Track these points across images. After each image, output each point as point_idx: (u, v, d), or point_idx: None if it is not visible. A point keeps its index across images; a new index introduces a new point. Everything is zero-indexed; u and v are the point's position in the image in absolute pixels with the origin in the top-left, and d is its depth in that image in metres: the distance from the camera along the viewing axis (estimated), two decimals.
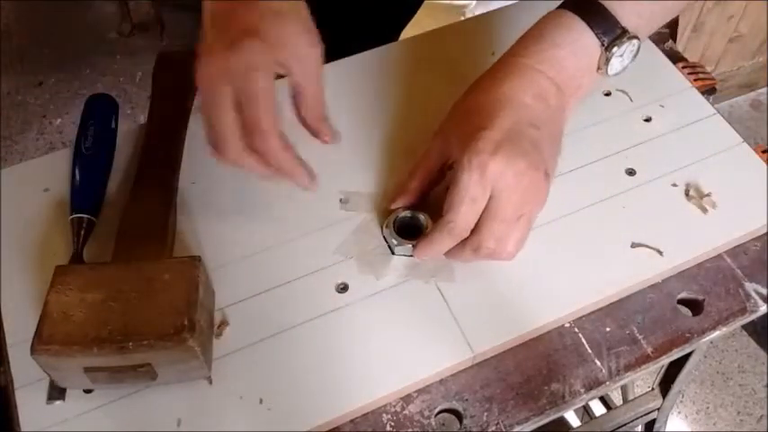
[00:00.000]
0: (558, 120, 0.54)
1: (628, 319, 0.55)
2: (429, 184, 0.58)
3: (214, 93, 0.49)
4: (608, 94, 0.67)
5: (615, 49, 0.52)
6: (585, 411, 1.07)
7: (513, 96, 0.52)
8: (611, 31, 0.52)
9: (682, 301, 0.56)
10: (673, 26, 0.84)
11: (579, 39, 0.53)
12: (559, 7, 0.54)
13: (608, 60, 0.53)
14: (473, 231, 0.52)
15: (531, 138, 0.51)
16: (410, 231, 0.57)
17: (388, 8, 0.98)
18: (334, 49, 0.72)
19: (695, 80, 0.69)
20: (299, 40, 0.51)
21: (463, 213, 0.50)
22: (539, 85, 0.52)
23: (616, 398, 1.11)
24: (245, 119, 0.49)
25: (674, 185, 0.61)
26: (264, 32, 0.49)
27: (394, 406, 0.51)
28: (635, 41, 0.53)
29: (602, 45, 0.52)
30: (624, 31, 0.52)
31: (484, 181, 0.49)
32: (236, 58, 0.48)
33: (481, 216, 0.51)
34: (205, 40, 0.50)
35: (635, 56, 0.54)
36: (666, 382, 0.86)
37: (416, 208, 0.57)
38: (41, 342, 0.46)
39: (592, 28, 0.52)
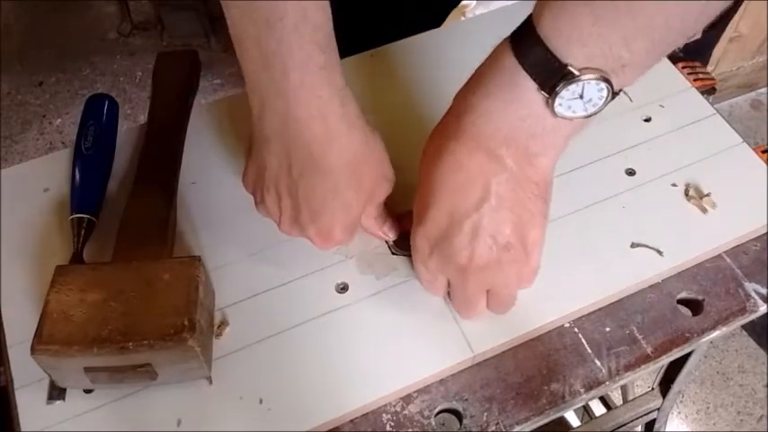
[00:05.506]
0: (520, 181, 0.45)
1: (628, 319, 0.55)
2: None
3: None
4: None
5: (563, 90, 0.39)
6: (585, 411, 1.07)
7: (452, 177, 0.46)
8: (551, 71, 0.40)
9: (681, 301, 0.56)
10: None
11: (511, 81, 0.42)
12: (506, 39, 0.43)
13: (551, 103, 0.41)
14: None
15: (471, 226, 0.46)
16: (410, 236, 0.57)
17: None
18: (352, 45, 0.71)
19: (695, 80, 0.69)
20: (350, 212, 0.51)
21: (426, 286, 0.53)
22: (476, 156, 0.44)
23: (616, 398, 1.11)
24: None
25: (674, 185, 0.61)
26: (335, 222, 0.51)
27: (394, 406, 0.51)
28: (600, 83, 0.40)
29: (540, 88, 0.41)
30: (568, 72, 0.39)
31: (432, 274, 0.51)
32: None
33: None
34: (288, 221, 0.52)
35: (610, 95, 0.41)
36: (666, 382, 0.86)
37: None
38: (41, 342, 0.46)
39: (524, 66, 0.41)
